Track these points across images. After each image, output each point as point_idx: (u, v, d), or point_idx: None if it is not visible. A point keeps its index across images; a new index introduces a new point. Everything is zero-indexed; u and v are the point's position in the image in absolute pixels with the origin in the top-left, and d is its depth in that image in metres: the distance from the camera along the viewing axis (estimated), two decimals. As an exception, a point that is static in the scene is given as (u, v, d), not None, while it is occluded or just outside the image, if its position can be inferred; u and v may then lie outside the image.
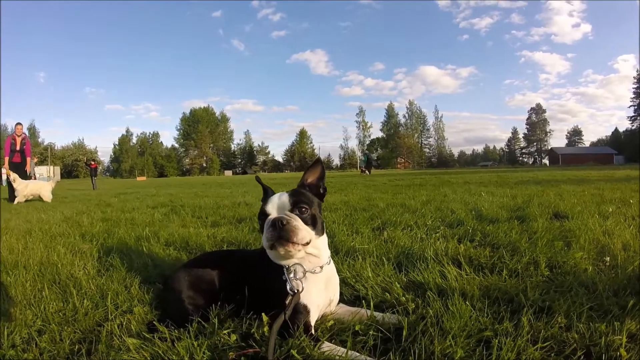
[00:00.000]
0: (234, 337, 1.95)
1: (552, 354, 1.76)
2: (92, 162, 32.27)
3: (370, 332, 1.96)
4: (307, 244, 1.99)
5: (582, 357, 1.73)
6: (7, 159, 14.13)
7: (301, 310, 1.97)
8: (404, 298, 2.37)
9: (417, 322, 2.00)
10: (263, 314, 2.04)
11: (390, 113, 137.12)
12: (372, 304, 2.24)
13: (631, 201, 6.43)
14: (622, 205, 5.99)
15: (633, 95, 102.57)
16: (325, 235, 2.20)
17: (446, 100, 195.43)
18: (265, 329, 1.96)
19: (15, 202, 13.28)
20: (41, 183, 14.62)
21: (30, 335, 2.10)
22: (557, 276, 2.71)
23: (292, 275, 2.05)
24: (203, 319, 2.12)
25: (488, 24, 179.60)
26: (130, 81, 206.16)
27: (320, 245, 2.14)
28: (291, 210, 2.02)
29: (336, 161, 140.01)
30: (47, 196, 13.97)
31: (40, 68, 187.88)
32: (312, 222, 2.04)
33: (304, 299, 1.99)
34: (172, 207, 8.96)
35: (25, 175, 14.20)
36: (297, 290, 1.99)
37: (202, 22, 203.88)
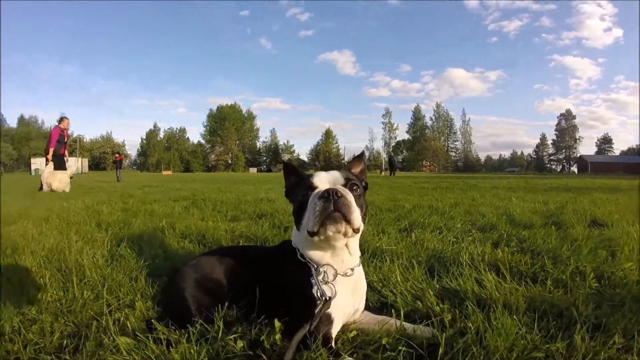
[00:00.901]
0: (240, 343, 1.69)
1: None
2: (118, 155, 32.73)
3: (400, 347, 1.69)
4: (357, 230, 1.71)
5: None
6: (52, 150, 14.16)
7: (324, 320, 1.71)
8: (438, 308, 2.08)
9: (455, 338, 1.73)
10: (276, 320, 1.79)
11: (417, 115, 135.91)
12: (402, 312, 1.98)
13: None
14: (661, 214, 5.60)
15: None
16: None
17: (474, 103, 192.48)
18: (277, 336, 1.72)
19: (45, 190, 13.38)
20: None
21: (22, 324, 1.94)
22: (606, 288, 2.43)
23: (321, 277, 1.79)
24: (208, 321, 1.88)
25: (517, 26, 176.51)
26: (160, 77, 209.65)
27: (357, 242, 1.92)
28: (344, 185, 1.78)
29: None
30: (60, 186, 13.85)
31: (70, 62, 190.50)
32: (361, 205, 1.78)
33: (329, 307, 1.73)
34: (193, 200, 8.84)
35: (65, 167, 14.39)
36: (329, 296, 1.73)
37: (230, 21, 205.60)
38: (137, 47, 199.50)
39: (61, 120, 15.00)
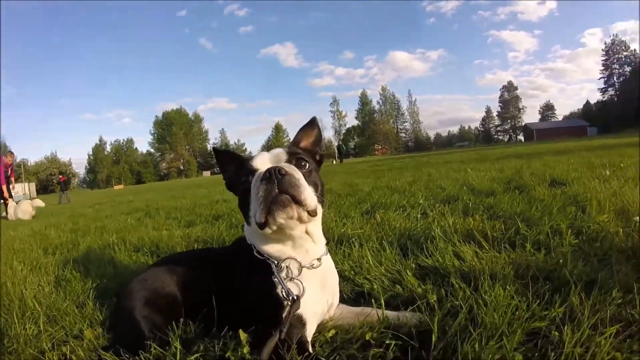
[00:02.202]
0: (203, 364, 1.45)
1: (622, 340, 1.37)
2: (61, 175, 31.13)
3: (387, 341, 1.49)
4: (314, 213, 1.48)
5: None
6: (4, 187, 13.81)
7: (294, 324, 1.46)
8: (420, 289, 1.90)
9: (447, 321, 1.55)
10: (241, 331, 1.53)
11: (364, 101, 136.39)
12: (382, 300, 1.76)
13: (622, 165, 6.16)
14: (616, 169, 5.72)
15: (602, 68, 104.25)
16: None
17: (418, 84, 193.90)
18: (245, 349, 1.46)
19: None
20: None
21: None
22: (586, 244, 2.34)
23: (284, 273, 1.55)
24: (163, 342, 1.62)
25: (454, 6, 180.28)
26: (99, 89, 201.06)
27: (319, 224, 1.67)
28: (289, 162, 1.55)
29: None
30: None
31: (6, 82, 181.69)
32: (314, 183, 1.54)
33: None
34: (147, 211, 8.49)
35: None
36: (296, 295, 1.48)
37: (167, 23, 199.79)
38: (71, 58, 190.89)
39: (6, 155, 14.56)
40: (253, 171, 1.52)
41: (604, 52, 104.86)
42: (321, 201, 1.54)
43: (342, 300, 1.94)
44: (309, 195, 1.43)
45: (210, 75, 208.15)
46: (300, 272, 1.56)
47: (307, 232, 1.58)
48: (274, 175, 1.39)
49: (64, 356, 1.76)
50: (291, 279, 1.54)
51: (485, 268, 2.03)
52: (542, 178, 5.40)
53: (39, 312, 2.26)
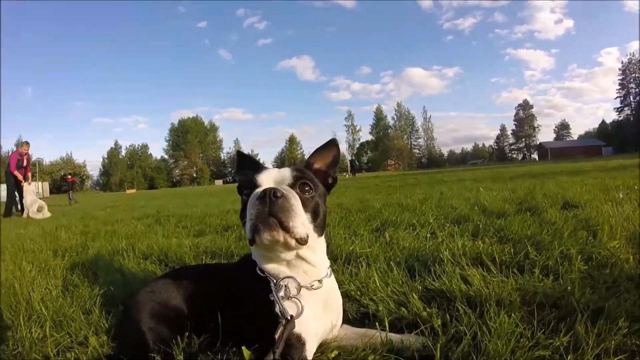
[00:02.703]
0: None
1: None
2: (69, 176, 31.04)
3: (390, 364, 1.49)
4: (303, 241, 1.45)
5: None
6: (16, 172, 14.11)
7: (294, 343, 1.46)
8: (425, 313, 1.90)
9: (450, 346, 1.55)
10: (244, 347, 1.54)
11: (379, 116, 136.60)
12: (386, 322, 1.76)
13: (636, 187, 6.08)
14: (630, 192, 5.64)
15: (619, 87, 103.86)
16: (324, 238, 1.68)
17: (434, 101, 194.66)
18: (247, 366, 1.46)
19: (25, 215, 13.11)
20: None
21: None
22: (595, 270, 2.31)
23: (282, 293, 1.53)
24: (167, 355, 1.64)
25: (471, 23, 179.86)
26: (118, 94, 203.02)
27: (318, 250, 1.64)
28: (291, 186, 1.52)
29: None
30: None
31: (27, 83, 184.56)
32: (313, 210, 1.52)
33: (298, 326, 1.47)
34: (157, 217, 8.49)
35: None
36: (290, 315, 1.47)
37: (188, 33, 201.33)
38: (93, 64, 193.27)
39: (22, 145, 14.83)
40: (256, 186, 1.52)
41: (620, 71, 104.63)
42: (319, 230, 1.55)
43: (347, 320, 1.94)
44: (298, 223, 1.42)
45: (227, 85, 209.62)
46: (299, 291, 1.56)
47: (300, 257, 1.57)
48: (268, 196, 1.39)
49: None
50: (289, 298, 1.53)
51: (491, 294, 2.02)
52: (554, 200, 5.33)
53: (45, 316, 2.28)
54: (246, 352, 1.52)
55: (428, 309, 1.94)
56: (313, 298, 1.59)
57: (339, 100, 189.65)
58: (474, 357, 1.43)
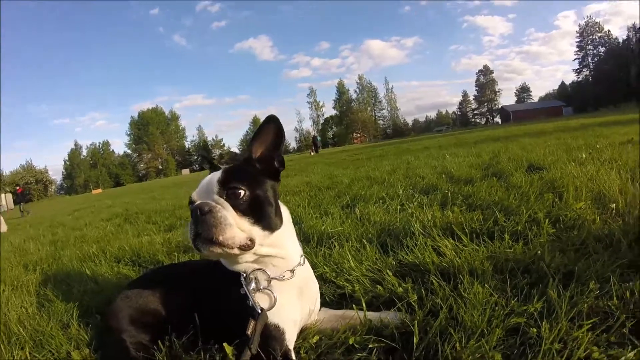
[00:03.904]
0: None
1: (600, 332, 1.38)
2: (18, 187, 29.55)
3: (370, 345, 1.49)
4: (247, 247, 1.44)
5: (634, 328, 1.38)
6: None
7: (273, 334, 1.46)
8: (400, 289, 1.90)
9: (428, 320, 1.56)
10: (225, 343, 1.53)
11: (341, 90, 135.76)
12: (363, 302, 1.77)
13: (598, 146, 6.19)
14: (592, 151, 5.72)
15: (577, 49, 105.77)
16: (288, 226, 1.65)
17: (395, 71, 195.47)
18: (231, 362, 1.45)
19: None
20: None
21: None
22: (563, 232, 2.35)
23: (252, 286, 1.52)
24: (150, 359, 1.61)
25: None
26: (69, 91, 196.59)
27: (282, 242, 1.59)
28: (219, 194, 1.47)
29: (292, 144, 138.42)
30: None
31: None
32: (252, 211, 1.47)
33: (274, 317, 1.47)
34: (126, 216, 8.36)
35: None
36: (261, 309, 1.46)
37: (141, 22, 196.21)
38: (38, 61, 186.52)
39: None
40: (190, 202, 1.52)
41: (578, 34, 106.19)
42: (269, 226, 1.52)
43: (324, 303, 1.94)
44: (230, 234, 1.39)
45: (185, 72, 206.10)
46: (269, 283, 1.54)
47: (261, 254, 1.55)
48: (195, 215, 1.40)
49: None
50: (259, 290, 1.52)
51: (464, 264, 2.04)
52: (519, 163, 5.39)
53: (24, 337, 2.20)
54: (228, 349, 1.51)
55: (403, 285, 1.95)
56: (287, 287, 1.58)
57: (300, 77, 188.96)
58: (452, 330, 1.44)
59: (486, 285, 1.74)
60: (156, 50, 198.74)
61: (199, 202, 1.45)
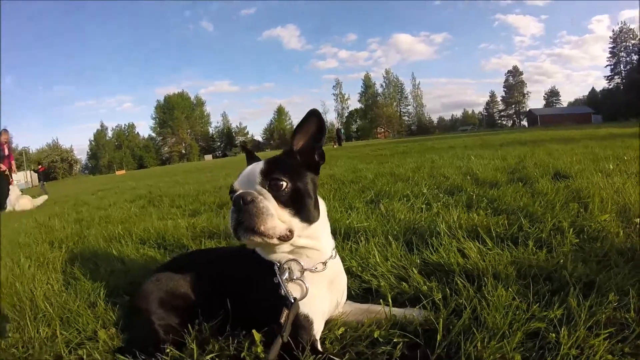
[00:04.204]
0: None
1: (615, 342, 1.43)
2: (40, 166, 29.87)
3: (395, 339, 1.56)
4: (286, 237, 1.49)
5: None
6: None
7: (302, 324, 1.51)
8: (425, 287, 1.96)
9: (451, 320, 1.62)
10: (254, 330, 1.59)
11: (367, 83, 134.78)
12: (389, 298, 1.83)
13: (625, 158, 6.09)
14: (620, 162, 5.64)
15: (609, 55, 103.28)
16: (324, 219, 1.70)
17: (422, 67, 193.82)
18: (259, 349, 1.53)
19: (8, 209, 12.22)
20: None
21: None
22: (586, 243, 2.37)
23: (286, 276, 1.58)
24: (179, 343, 1.67)
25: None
26: (99, 74, 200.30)
27: (318, 234, 1.64)
28: (262, 184, 1.51)
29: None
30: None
31: (5, 72, 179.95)
32: (293, 203, 1.51)
33: (304, 307, 1.53)
34: (150, 198, 8.45)
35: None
36: (294, 298, 1.52)
37: (167, 5, 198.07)
38: (68, 44, 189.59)
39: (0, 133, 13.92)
40: (232, 191, 1.56)
41: (611, 40, 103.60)
42: (308, 218, 1.56)
43: (350, 296, 2.00)
44: (271, 224, 1.43)
45: (212, 58, 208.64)
46: (302, 273, 1.59)
47: (297, 246, 1.60)
48: (237, 203, 1.44)
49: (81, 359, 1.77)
50: (293, 280, 1.58)
51: (488, 267, 2.09)
52: (545, 169, 5.38)
53: (51, 314, 2.23)
54: (257, 335, 1.56)
55: (428, 283, 2.00)
56: (318, 278, 1.63)
57: (326, 69, 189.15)
58: (475, 330, 1.50)
59: (509, 289, 1.79)
60: (182, 35, 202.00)
61: (241, 191, 1.49)
